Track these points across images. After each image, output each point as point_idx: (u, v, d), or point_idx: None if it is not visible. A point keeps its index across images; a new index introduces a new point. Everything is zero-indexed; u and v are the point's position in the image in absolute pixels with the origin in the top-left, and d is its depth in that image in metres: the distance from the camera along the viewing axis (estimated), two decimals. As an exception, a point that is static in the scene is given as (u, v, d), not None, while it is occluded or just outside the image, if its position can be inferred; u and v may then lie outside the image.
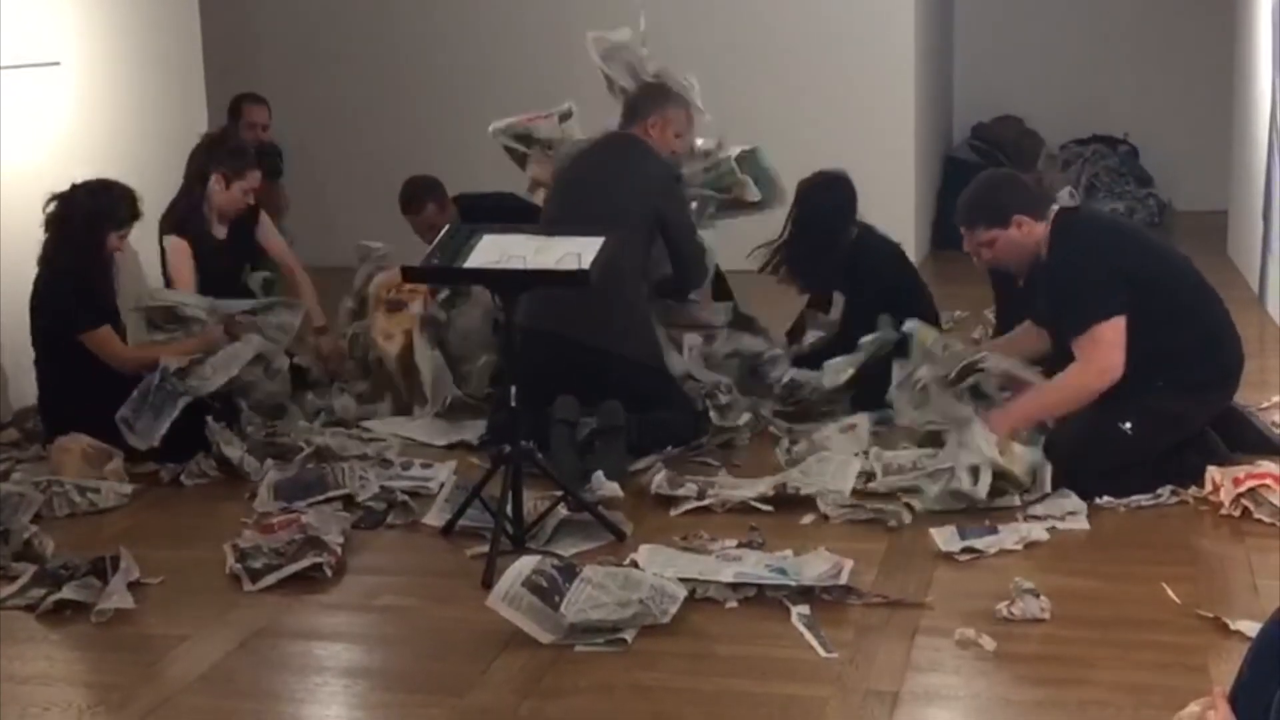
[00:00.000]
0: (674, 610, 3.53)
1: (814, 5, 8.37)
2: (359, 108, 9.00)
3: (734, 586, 3.70)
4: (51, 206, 5.01)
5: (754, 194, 5.68)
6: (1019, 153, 9.90)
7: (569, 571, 3.56)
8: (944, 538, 4.00)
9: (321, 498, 4.51)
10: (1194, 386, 4.43)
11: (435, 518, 4.37)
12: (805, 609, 3.58)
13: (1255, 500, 4.15)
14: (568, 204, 5.12)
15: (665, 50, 8.24)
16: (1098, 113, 10.25)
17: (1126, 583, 3.75)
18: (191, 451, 4.91)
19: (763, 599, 3.67)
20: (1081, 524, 4.13)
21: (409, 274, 4.60)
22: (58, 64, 5.96)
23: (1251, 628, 3.09)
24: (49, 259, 5.04)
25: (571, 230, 4.31)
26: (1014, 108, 10.30)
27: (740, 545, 4.02)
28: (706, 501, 4.38)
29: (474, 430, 5.23)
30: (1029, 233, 4.44)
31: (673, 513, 4.36)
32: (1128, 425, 4.30)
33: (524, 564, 3.54)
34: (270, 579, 3.90)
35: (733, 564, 3.82)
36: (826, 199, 5.56)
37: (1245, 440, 4.68)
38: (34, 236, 5.07)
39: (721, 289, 5.93)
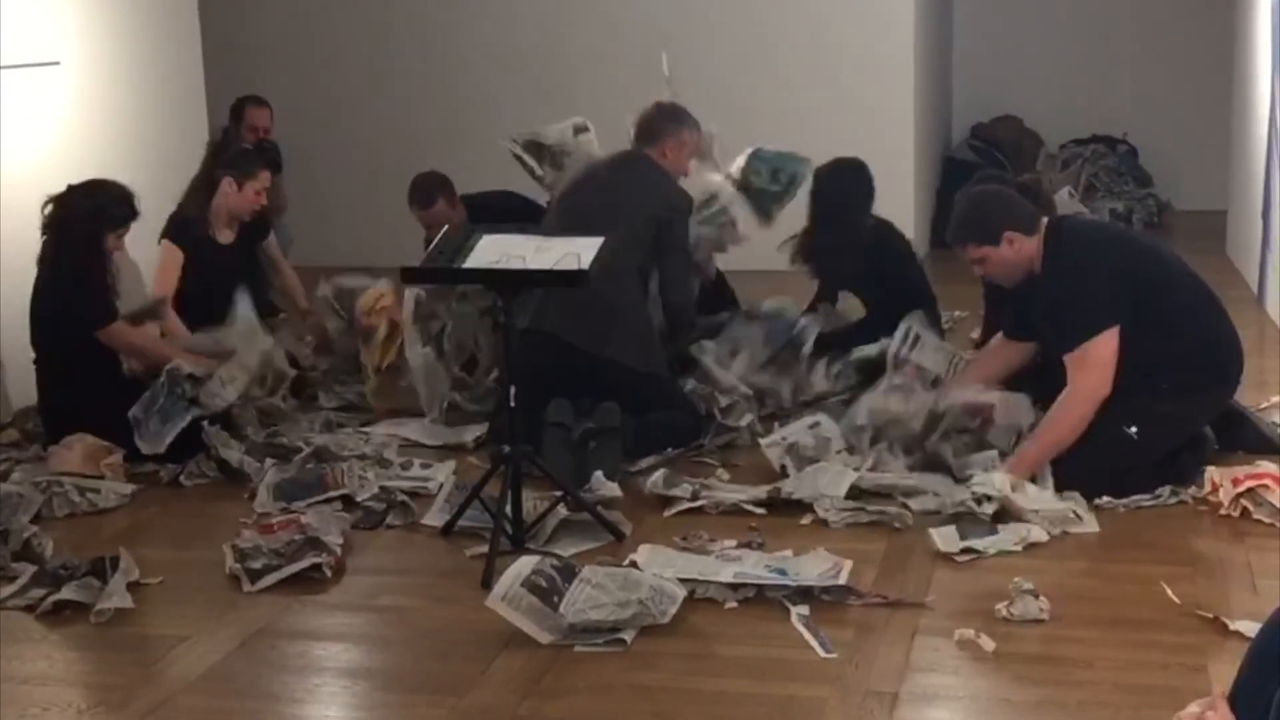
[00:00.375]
0: (673, 610, 3.53)
1: (814, 6, 8.36)
2: (358, 108, 8.99)
3: (733, 587, 3.70)
4: (48, 209, 5.02)
5: (738, 238, 5.72)
6: (1018, 152, 9.91)
7: (568, 572, 3.56)
8: (944, 538, 4.00)
9: (321, 498, 4.52)
10: (1196, 388, 4.43)
11: (435, 518, 4.37)
12: (805, 609, 3.58)
13: (1254, 500, 4.15)
14: (572, 209, 5.11)
15: (666, 44, 8.30)
16: (1097, 112, 10.25)
17: (1126, 583, 3.75)
18: (191, 452, 4.91)
19: (762, 599, 3.67)
20: (1091, 527, 4.11)
21: (409, 275, 4.60)
22: (57, 64, 5.96)
23: (1251, 628, 3.10)
24: (50, 262, 5.04)
25: (571, 231, 4.31)
26: (1013, 108, 10.30)
27: (740, 545, 4.02)
28: (700, 503, 4.38)
29: (473, 433, 5.22)
30: (1020, 249, 4.41)
31: (666, 513, 4.36)
32: (1133, 429, 4.30)
33: (523, 564, 3.55)
34: (270, 579, 3.90)
35: (732, 564, 3.83)
36: (842, 185, 5.60)
37: (1245, 440, 4.69)
38: (34, 237, 5.06)
39: (722, 289, 5.93)
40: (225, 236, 5.73)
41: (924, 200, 8.85)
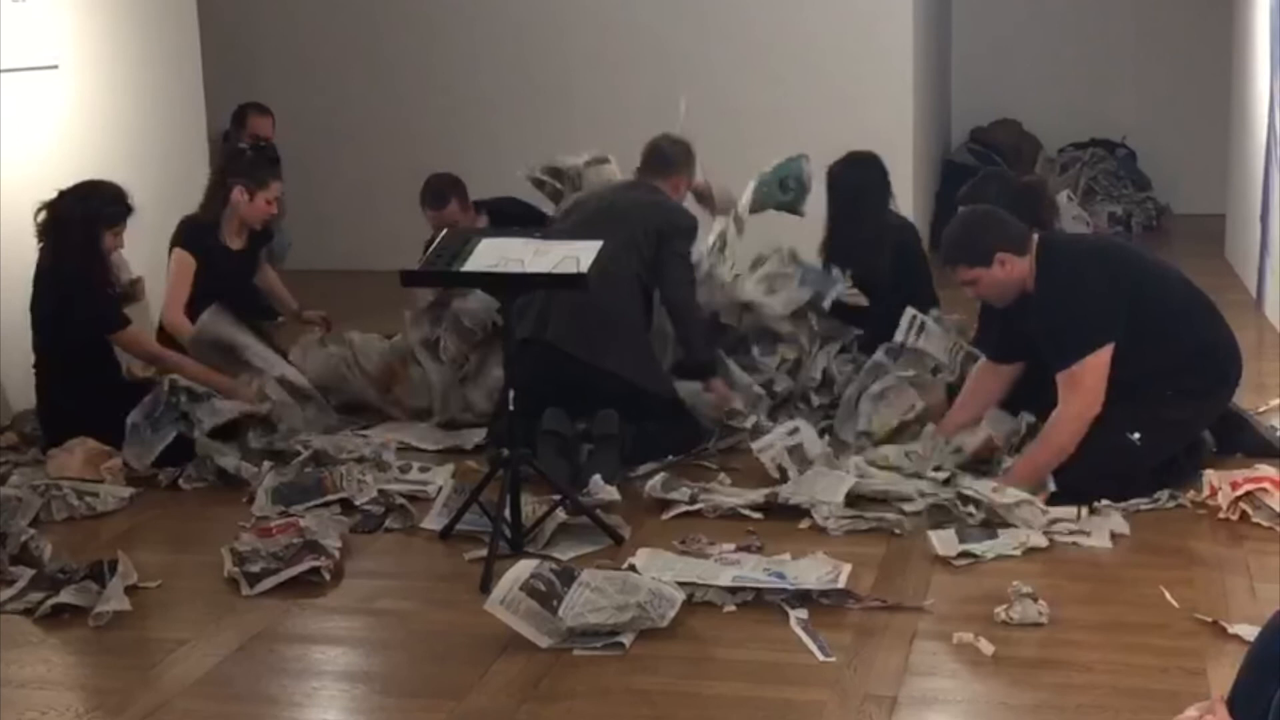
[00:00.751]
0: (672, 614, 3.52)
1: (813, 9, 8.36)
2: (356, 111, 8.99)
3: (732, 590, 3.70)
4: (42, 216, 5.02)
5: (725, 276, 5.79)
6: (1017, 156, 9.91)
7: (567, 575, 3.56)
8: (942, 542, 4.00)
9: (319, 502, 4.51)
10: (1198, 392, 4.44)
11: (433, 522, 4.37)
12: (803, 613, 3.58)
13: (1253, 504, 4.15)
14: (574, 217, 5.15)
15: (663, 54, 8.32)
16: (1096, 116, 10.26)
17: (1125, 586, 3.75)
18: (189, 455, 4.90)
19: (761, 603, 3.67)
20: (1104, 541, 4.05)
21: (408, 278, 4.59)
22: (56, 67, 5.96)
23: (1249, 631, 3.10)
24: (49, 266, 5.04)
25: (572, 237, 4.32)
26: (1012, 111, 10.30)
27: (738, 549, 4.02)
28: (698, 506, 4.38)
29: (471, 438, 5.22)
30: (1012, 269, 4.39)
31: (664, 516, 4.36)
32: (1136, 436, 4.30)
33: (522, 568, 3.54)
34: (268, 583, 3.89)
35: (731, 568, 3.83)
36: (854, 178, 5.62)
37: (1244, 443, 4.69)
38: (32, 240, 5.07)
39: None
40: (236, 244, 5.75)
41: (923, 204, 8.84)
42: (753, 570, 3.80)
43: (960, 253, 4.47)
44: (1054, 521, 4.10)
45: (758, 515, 4.31)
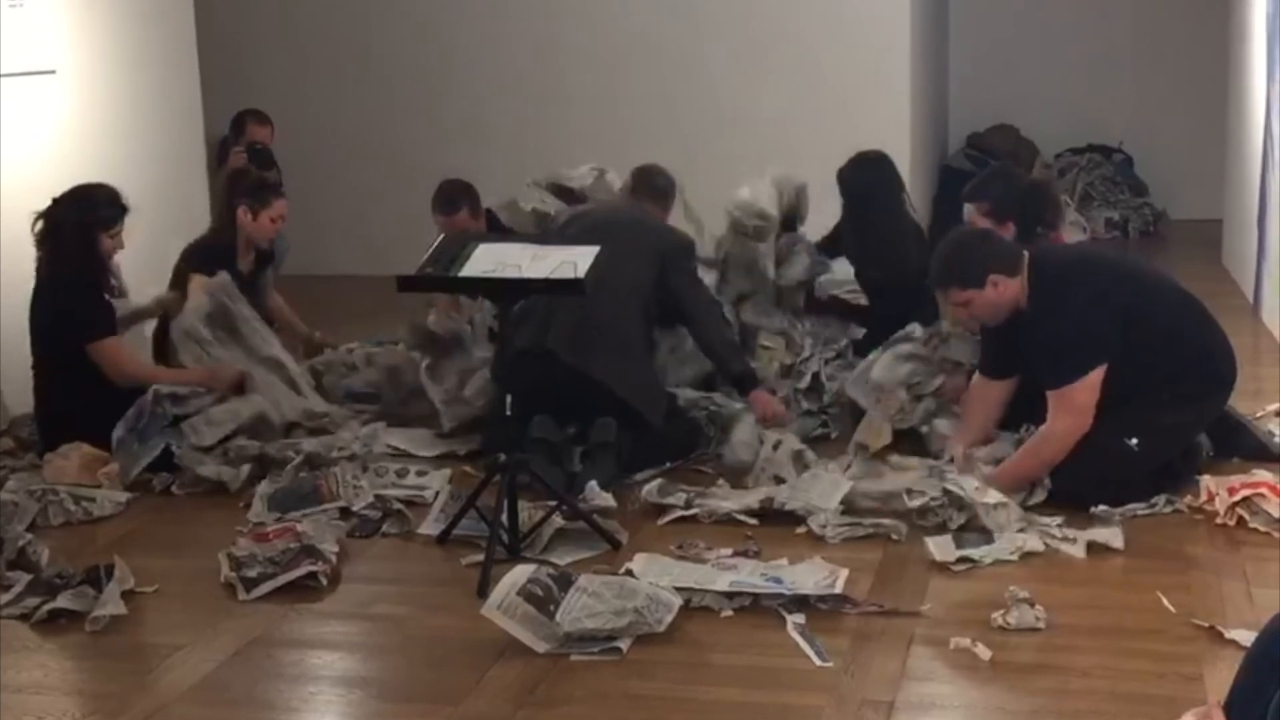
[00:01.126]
0: (669, 619, 3.52)
1: (810, 14, 8.37)
2: (352, 117, 8.99)
3: (729, 595, 3.69)
4: (38, 224, 5.02)
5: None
6: (1014, 162, 9.89)
7: (564, 580, 3.56)
8: (939, 547, 3.99)
9: (317, 510, 4.50)
10: (1195, 396, 4.45)
11: (430, 527, 4.36)
12: (800, 618, 3.58)
13: (1250, 509, 4.16)
14: (575, 231, 5.15)
15: (662, 54, 8.33)
16: (1093, 122, 10.27)
17: (1122, 591, 3.75)
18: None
19: (758, 608, 3.66)
20: (1079, 552, 4.03)
21: (404, 283, 4.58)
22: (53, 72, 5.96)
23: (1247, 636, 3.10)
24: (47, 273, 5.04)
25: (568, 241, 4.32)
26: (1009, 117, 10.31)
27: (736, 554, 4.02)
28: (693, 511, 4.37)
29: (467, 444, 5.20)
30: (1004, 290, 4.37)
31: (661, 521, 4.36)
32: (1134, 441, 4.30)
33: (519, 573, 3.54)
34: (265, 588, 3.89)
35: (728, 573, 3.83)
36: (862, 177, 5.62)
37: (1241, 448, 4.69)
38: (30, 245, 5.06)
39: None
40: (245, 264, 5.76)
41: (920, 209, 8.84)
42: (750, 575, 3.80)
43: (952, 275, 4.44)
44: (1029, 528, 4.09)
45: (753, 520, 4.31)
